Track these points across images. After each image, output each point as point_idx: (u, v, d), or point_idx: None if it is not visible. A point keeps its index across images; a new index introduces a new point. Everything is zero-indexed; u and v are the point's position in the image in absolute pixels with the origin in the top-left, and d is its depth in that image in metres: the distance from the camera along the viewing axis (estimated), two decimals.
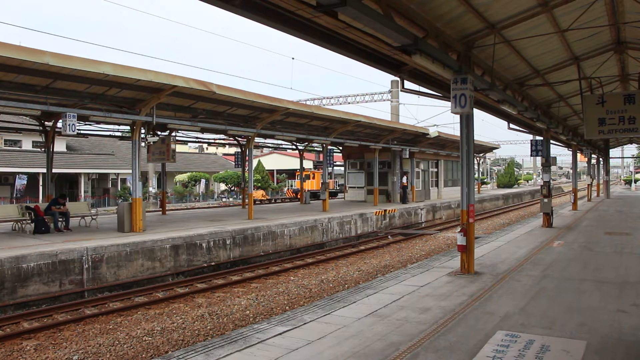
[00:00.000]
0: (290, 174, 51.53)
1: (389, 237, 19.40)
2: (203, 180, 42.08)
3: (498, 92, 10.13)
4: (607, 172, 35.86)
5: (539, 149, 16.99)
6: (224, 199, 39.37)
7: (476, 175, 35.95)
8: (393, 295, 7.29)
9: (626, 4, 8.74)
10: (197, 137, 23.46)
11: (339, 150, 29.04)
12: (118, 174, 37.56)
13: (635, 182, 53.96)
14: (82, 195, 33.67)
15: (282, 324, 5.97)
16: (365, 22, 5.67)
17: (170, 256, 12.48)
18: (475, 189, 19.46)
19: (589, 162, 32.69)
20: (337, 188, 40.34)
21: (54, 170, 17.08)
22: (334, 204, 25.23)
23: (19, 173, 29.78)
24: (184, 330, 8.28)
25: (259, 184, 41.64)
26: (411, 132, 25.58)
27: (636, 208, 23.92)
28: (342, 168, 34.61)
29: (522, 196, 45.46)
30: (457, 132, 26.13)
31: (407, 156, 25.90)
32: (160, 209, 21.86)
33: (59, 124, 13.14)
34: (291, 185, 47.63)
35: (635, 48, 11.27)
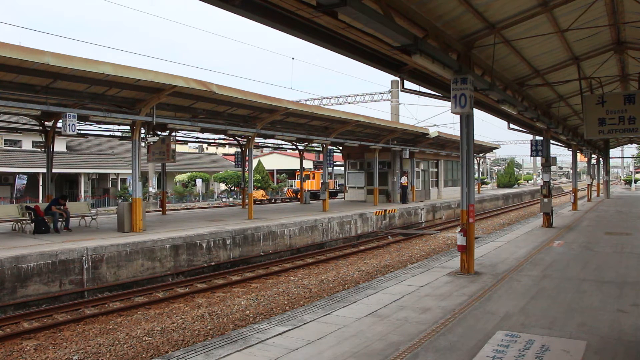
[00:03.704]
0: (290, 174, 51.53)
1: (389, 237, 19.40)
2: (199, 180, 42.03)
3: (498, 92, 10.13)
4: (607, 172, 35.85)
5: (539, 149, 16.99)
6: (224, 199, 39.37)
7: (476, 175, 35.96)
8: (393, 295, 7.29)
9: (626, 4, 8.74)
10: (197, 137, 23.45)
11: (339, 150, 29.04)
12: (118, 174, 37.57)
13: (635, 182, 53.96)
14: (82, 195, 33.68)
15: (282, 324, 5.97)
16: (365, 22, 5.67)
17: (170, 256, 12.47)
18: (475, 189, 19.46)
19: (589, 162, 32.69)
20: (337, 188, 40.33)
21: (54, 170, 17.08)
22: (334, 204, 25.23)
23: (19, 173, 29.78)
24: (184, 330, 8.28)
25: (259, 184, 41.63)
26: (411, 132, 25.58)
27: (636, 208, 23.91)
28: (342, 168, 34.62)
29: (522, 196, 45.45)
30: (457, 132, 26.14)
31: (407, 156, 25.91)
32: (160, 209, 21.86)
33: (59, 124, 13.15)
34: (291, 185, 47.64)
35: (635, 48, 11.27)
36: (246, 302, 10.02)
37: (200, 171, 44.31)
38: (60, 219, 14.04)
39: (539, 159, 22.75)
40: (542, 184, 16.09)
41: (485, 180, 60.91)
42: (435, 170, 31.67)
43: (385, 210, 21.91)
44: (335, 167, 44.82)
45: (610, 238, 13.09)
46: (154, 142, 16.95)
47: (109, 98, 13.51)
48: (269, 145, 29.65)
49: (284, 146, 29.62)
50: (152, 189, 33.29)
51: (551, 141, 18.52)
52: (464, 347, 5.01)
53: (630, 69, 13.50)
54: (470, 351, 4.89)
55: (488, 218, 28.02)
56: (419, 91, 10.39)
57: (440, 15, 7.64)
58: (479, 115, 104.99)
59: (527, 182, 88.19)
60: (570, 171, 58.68)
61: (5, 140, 36.51)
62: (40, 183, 30.85)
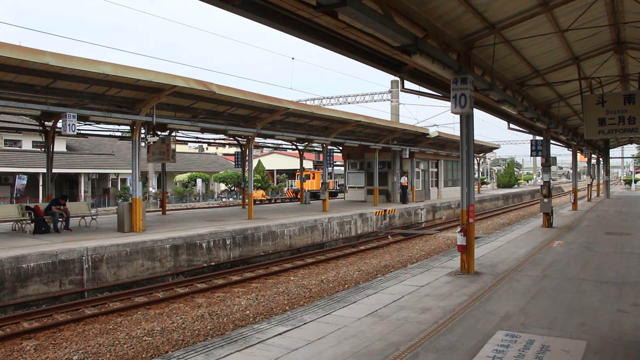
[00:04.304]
0: (290, 174, 51.53)
1: (389, 237, 19.40)
2: (199, 180, 42.03)
3: (498, 92, 10.13)
4: (607, 172, 35.85)
5: (539, 149, 16.99)
6: (223, 199, 39.37)
7: (476, 175, 35.96)
8: (393, 295, 7.29)
9: (626, 4, 8.74)
10: (197, 137, 23.45)
11: (339, 150, 29.04)
12: (118, 174, 37.57)
13: (635, 182, 53.96)
14: (82, 195, 33.68)
15: (282, 324, 5.97)
16: (365, 22, 5.67)
17: (170, 256, 12.47)
18: (475, 189, 19.45)
19: (589, 162, 32.69)
20: (337, 188, 40.32)
21: (54, 170, 17.08)
22: (334, 204, 25.23)
23: (19, 173, 29.78)
24: (184, 330, 8.28)
25: (259, 184, 41.63)
26: (411, 132, 25.58)
27: (636, 208, 23.91)
28: (342, 168, 34.61)
29: (522, 196, 45.45)
30: (457, 132, 26.13)
31: (407, 156, 25.90)
32: (160, 209, 21.86)
33: (59, 124, 13.15)
34: (291, 185, 47.63)
35: (635, 48, 11.27)
36: (246, 302, 10.02)
37: (200, 171, 44.31)
38: (60, 219, 14.04)
39: (539, 159, 22.77)
40: (542, 184, 16.09)
41: (485, 180, 60.92)
42: (435, 170, 31.66)
43: (385, 210, 21.91)
44: (335, 167, 44.81)
45: (610, 238, 13.09)
46: (154, 142, 16.95)
47: (109, 98, 13.51)
48: (269, 145, 29.65)
49: (284, 146, 29.62)
50: (152, 189, 33.30)
51: (551, 141, 18.52)
52: (464, 347, 5.01)
53: (630, 69, 13.50)
54: (470, 351, 4.89)
55: (488, 218, 28.02)
56: (419, 91, 10.39)
57: (440, 15, 7.64)
58: (479, 115, 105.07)
59: (527, 182, 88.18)
60: (570, 171, 58.70)
61: (5, 140, 36.51)
62: (40, 183, 30.84)
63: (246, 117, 17.73)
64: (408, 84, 9.93)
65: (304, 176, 31.13)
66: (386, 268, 13.43)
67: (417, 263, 10.67)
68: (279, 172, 53.85)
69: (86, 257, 10.73)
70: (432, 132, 27.16)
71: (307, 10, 6.08)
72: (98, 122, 14.74)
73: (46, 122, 15.67)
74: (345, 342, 5.25)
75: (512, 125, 17.70)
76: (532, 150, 17.28)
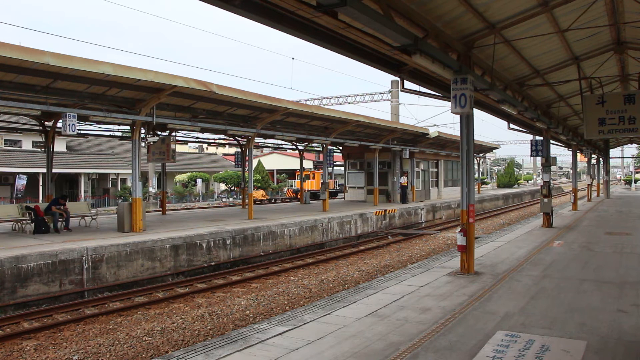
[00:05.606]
0: (290, 174, 51.52)
1: (389, 237, 19.40)
2: (199, 180, 42.03)
3: (498, 92, 10.12)
4: (607, 172, 35.85)
5: (539, 149, 16.99)
6: (224, 199, 39.37)
7: (476, 175, 35.96)
8: (393, 295, 7.29)
9: (626, 4, 8.74)
10: (197, 137, 23.45)
11: (339, 150, 29.04)
12: (118, 174, 37.57)
13: (635, 182, 53.96)
14: (82, 195, 33.68)
15: (282, 324, 5.97)
16: (365, 22, 5.67)
17: (170, 256, 12.47)
18: (475, 189, 19.46)
19: (589, 162, 32.70)
20: (337, 188, 40.32)
21: (54, 170, 17.08)
22: (334, 204, 25.22)
23: (19, 173, 29.76)
24: (184, 330, 8.28)
25: (259, 184, 41.63)
26: (411, 132, 25.58)
27: (636, 208, 23.91)
28: (342, 168, 34.62)
29: (522, 196, 45.45)
30: (457, 132, 26.14)
31: (407, 156, 25.90)
32: (160, 209, 21.87)
33: (59, 124, 13.15)
34: (291, 185, 47.62)
35: (635, 48, 11.27)
36: (246, 302, 10.02)
37: (200, 171, 44.31)
38: (60, 219, 14.04)
39: (539, 159, 22.77)
40: (542, 184, 16.09)
41: (485, 180, 60.91)
42: (435, 170, 31.66)
43: (385, 210, 21.91)
44: (335, 167, 44.81)
45: (610, 238, 13.09)
46: (154, 142, 16.95)
47: (109, 98, 13.51)
48: (269, 145, 29.65)
49: (284, 146, 29.61)
50: (152, 189, 33.30)
51: (551, 141, 18.53)
52: (464, 347, 5.01)
53: (630, 69, 13.50)
54: (470, 351, 4.89)
55: (488, 218, 28.02)
56: (419, 91, 10.39)
57: (440, 15, 7.64)
58: (479, 115, 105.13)
59: (527, 182, 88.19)
60: (570, 171, 58.69)
61: (5, 140, 36.50)
62: (40, 183, 30.85)
63: (246, 117, 17.73)
64: (408, 84, 9.93)
65: (304, 176, 31.12)
66: (386, 268, 13.43)
67: (417, 263, 10.67)
68: (279, 172, 53.84)
69: (86, 257, 10.73)
70: (432, 132, 27.16)
71: (307, 10, 6.08)
72: (98, 122, 14.75)
73: (46, 122, 15.67)
74: (345, 342, 5.25)
75: (512, 125, 17.70)
76: (532, 150, 17.29)
